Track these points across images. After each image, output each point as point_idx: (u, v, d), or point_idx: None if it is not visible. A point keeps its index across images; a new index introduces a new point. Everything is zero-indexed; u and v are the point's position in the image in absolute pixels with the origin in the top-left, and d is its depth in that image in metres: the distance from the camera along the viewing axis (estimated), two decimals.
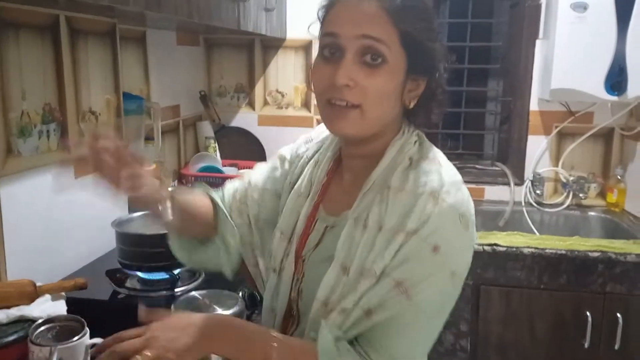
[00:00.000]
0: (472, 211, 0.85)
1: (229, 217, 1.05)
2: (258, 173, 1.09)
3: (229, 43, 2.56)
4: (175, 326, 0.81)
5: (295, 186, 1.01)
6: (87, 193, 1.46)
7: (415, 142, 0.90)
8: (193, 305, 0.95)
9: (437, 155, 0.90)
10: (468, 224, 0.83)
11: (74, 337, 0.99)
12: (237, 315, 0.89)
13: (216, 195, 1.08)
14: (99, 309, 1.20)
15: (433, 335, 0.87)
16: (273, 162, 1.09)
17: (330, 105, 0.85)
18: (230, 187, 1.11)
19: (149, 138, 1.96)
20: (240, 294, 1.28)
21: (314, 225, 0.95)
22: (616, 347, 1.88)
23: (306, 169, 1.01)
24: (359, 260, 0.83)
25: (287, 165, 1.06)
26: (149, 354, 0.76)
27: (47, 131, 1.31)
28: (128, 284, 1.28)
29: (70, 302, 1.14)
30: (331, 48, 0.85)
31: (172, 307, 0.95)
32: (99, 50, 1.52)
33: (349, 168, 0.96)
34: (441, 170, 0.85)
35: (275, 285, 0.98)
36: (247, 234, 1.06)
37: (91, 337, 1.01)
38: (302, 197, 0.99)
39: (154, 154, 2.04)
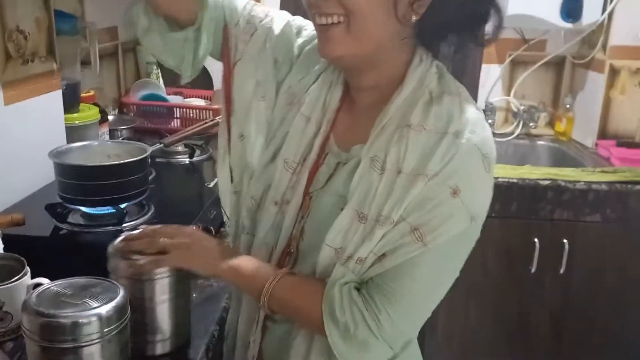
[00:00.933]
0: (494, 152, 0.78)
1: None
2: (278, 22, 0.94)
3: None
4: (195, 236, 0.88)
5: (302, 108, 0.88)
6: (19, 121, 1.35)
7: (435, 73, 0.81)
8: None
9: (460, 89, 0.81)
10: (490, 165, 0.77)
11: (13, 277, 0.91)
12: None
13: None
14: (39, 246, 1.11)
15: (446, 283, 0.81)
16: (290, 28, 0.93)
17: (317, 27, 0.78)
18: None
19: (85, 62, 1.81)
20: (194, 228, 1.22)
21: (324, 159, 0.85)
22: (561, 271, 1.94)
23: (313, 87, 0.89)
24: (376, 208, 0.76)
25: (296, 51, 0.93)
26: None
27: None
28: (70, 219, 1.19)
29: (6, 240, 1.04)
30: None
31: (110, 249, 0.87)
32: None
33: (359, 100, 0.86)
34: (465, 107, 0.78)
35: (275, 220, 0.88)
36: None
37: (32, 276, 0.93)
38: (311, 123, 0.87)
39: (91, 80, 1.89)
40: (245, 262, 0.85)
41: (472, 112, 0.78)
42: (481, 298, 2.02)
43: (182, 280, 0.90)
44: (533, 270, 1.96)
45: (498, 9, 0.79)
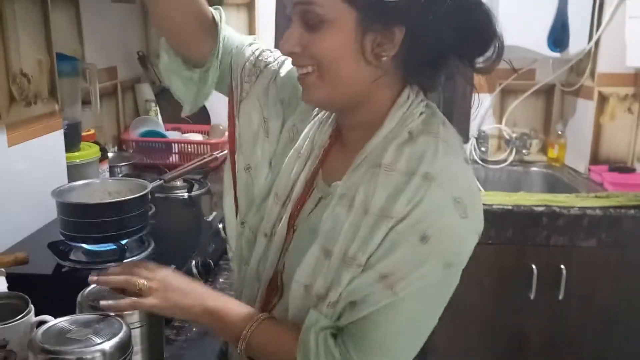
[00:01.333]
0: (474, 196, 0.77)
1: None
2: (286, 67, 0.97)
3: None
4: (174, 280, 0.86)
5: (296, 145, 0.92)
6: (22, 162, 1.38)
7: (422, 113, 0.80)
8: (102, 297, 0.84)
9: (444, 132, 0.79)
10: (466, 210, 0.73)
11: (17, 315, 0.92)
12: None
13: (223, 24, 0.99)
14: (42, 284, 1.13)
15: (424, 331, 0.79)
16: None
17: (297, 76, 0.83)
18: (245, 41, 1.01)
19: (85, 102, 1.85)
20: (194, 262, 1.24)
21: (311, 193, 0.87)
22: (560, 297, 1.96)
23: (309, 126, 0.92)
24: (342, 245, 0.76)
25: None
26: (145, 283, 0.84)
27: None
28: (72, 256, 1.21)
29: (10, 279, 1.06)
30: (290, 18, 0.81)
31: (79, 298, 0.87)
32: (26, 6, 1.40)
33: (347, 137, 0.88)
34: (441, 147, 0.76)
35: (264, 251, 0.91)
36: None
37: (36, 314, 0.95)
38: (301, 158, 0.90)
39: (92, 119, 1.93)
40: (223, 306, 0.84)
41: (448, 154, 0.77)
42: (480, 321, 2.03)
43: (155, 327, 0.89)
44: (532, 296, 1.97)
45: (488, 38, 0.80)
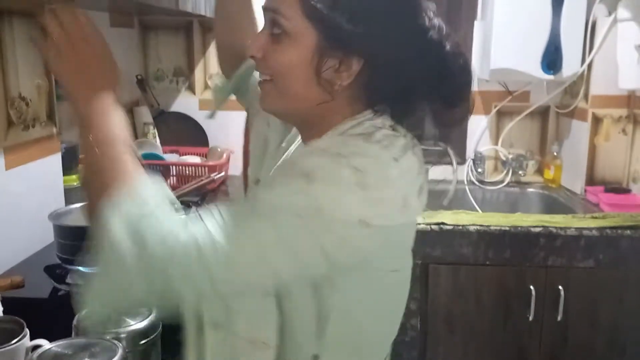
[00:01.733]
0: (376, 174, 0.71)
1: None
2: None
3: (166, 25, 2.46)
4: (90, 49, 0.77)
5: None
6: (20, 185, 1.38)
7: (360, 135, 0.76)
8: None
9: (372, 135, 0.75)
10: (364, 180, 0.69)
11: (12, 339, 0.92)
12: (151, 325, 0.81)
13: None
14: (38, 308, 1.12)
15: (272, 258, 0.69)
16: None
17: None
18: None
19: None
20: None
21: None
22: (559, 318, 1.95)
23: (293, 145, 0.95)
24: None
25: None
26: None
27: None
28: (69, 279, 1.21)
29: (6, 303, 1.06)
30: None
31: (75, 322, 0.86)
32: (25, 31, 1.41)
33: None
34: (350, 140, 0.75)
35: None
36: None
37: (31, 338, 0.94)
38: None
39: None
40: (116, 121, 0.75)
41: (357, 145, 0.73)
42: (480, 343, 2.02)
43: (152, 351, 0.89)
44: (531, 317, 1.96)
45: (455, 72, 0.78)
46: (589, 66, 2.24)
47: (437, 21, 0.79)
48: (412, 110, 0.81)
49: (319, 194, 0.69)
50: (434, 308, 2.01)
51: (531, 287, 1.94)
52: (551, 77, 2.22)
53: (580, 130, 2.32)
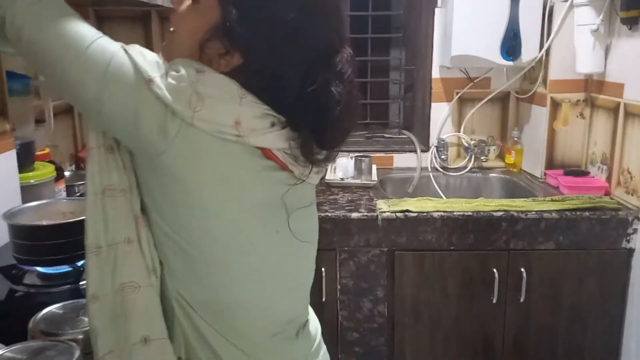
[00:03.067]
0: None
1: None
2: None
3: (122, 15, 2.40)
4: None
5: None
6: None
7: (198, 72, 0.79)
8: (54, 324, 0.85)
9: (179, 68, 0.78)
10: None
11: None
12: None
13: None
14: None
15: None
16: None
17: None
18: None
19: (39, 121, 1.81)
20: None
21: None
22: (521, 300, 1.99)
23: None
24: None
25: None
26: None
27: None
28: (27, 280, 1.17)
29: None
30: None
31: (30, 325, 0.86)
32: None
33: None
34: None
35: None
36: None
37: None
38: None
39: (46, 138, 1.88)
40: None
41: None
42: (446, 327, 2.05)
43: None
44: (495, 300, 2.00)
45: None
46: (547, 51, 2.27)
47: (341, 59, 0.82)
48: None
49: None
50: (401, 295, 2.03)
51: (494, 270, 1.98)
52: (510, 63, 2.25)
53: (539, 114, 2.36)
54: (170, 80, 0.75)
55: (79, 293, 1.10)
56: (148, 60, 0.76)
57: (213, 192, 0.78)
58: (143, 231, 0.81)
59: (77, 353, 0.75)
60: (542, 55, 2.27)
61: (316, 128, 0.81)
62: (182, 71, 0.76)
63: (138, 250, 0.81)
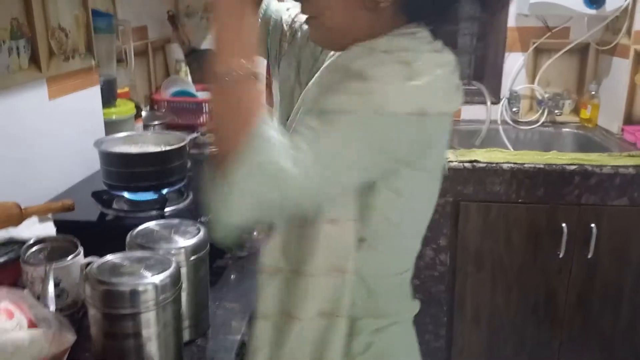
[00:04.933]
0: (424, 67, 0.73)
1: None
2: None
3: None
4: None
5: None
6: (63, 114, 1.41)
7: (400, 35, 0.78)
8: (149, 238, 0.89)
9: (412, 50, 0.75)
10: (412, 75, 0.72)
11: (67, 256, 0.97)
12: (200, 243, 0.89)
13: None
14: (87, 230, 1.16)
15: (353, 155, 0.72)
16: None
17: None
18: None
19: (118, 60, 1.88)
20: None
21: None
22: (589, 256, 1.96)
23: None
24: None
25: None
26: None
27: (17, 48, 1.23)
28: (115, 205, 1.25)
29: (58, 224, 1.11)
30: None
31: (128, 239, 0.90)
32: None
33: None
34: (386, 56, 0.73)
35: None
36: None
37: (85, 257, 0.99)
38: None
39: (125, 77, 1.96)
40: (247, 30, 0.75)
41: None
42: (508, 280, 2.05)
43: (201, 269, 0.93)
44: (561, 255, 1.97)
45: None
46: (634, 0, 2.15)
47: None
48: (451, 20, 0.83)
49: (375, 91, 0.71)
50: (464, 245, 2.03)
51: (563, 225, 1.94)
52: (593, 11, 2.15)
53: (620, 67, 2.25)
54: None
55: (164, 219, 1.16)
56: None
57: None
58: None
59: (174, 264, 0.80)
60: (628, 4, 2.15)
61: None
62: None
63: None
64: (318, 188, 0.72)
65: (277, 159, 0.68)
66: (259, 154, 0.68)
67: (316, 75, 0.90)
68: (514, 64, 2.46)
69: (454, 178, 1.95)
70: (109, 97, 1.69)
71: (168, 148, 1.24)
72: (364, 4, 0.77)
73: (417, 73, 0.72)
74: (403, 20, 0.79)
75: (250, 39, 0.75)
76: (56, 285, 0.94)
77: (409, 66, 0.72)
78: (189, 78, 2.43)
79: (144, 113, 2.04)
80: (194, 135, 1.55)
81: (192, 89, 2.35)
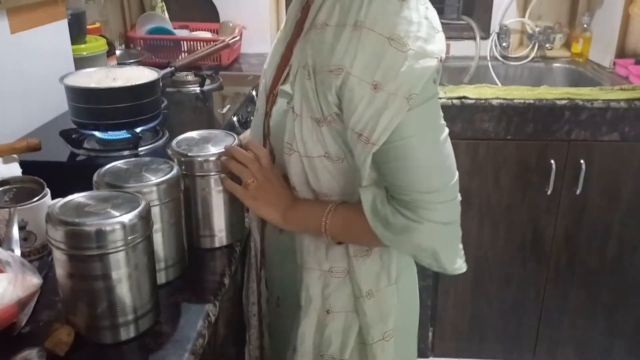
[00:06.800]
0: (413, 25, 0.75)
1: None
2: None
3: None
4: (272, 186, 0.91)
5: (282, 25, 0.97)
6: (27, 49, 1.32)
7: None
8: (118, 177, 0.84)
9: None
10: (401, 44, 0.74)
11: (33, 198, 0.91)
12: (173, 181, 0.85)
13: None
14: (56, 171, 1.10)
15: (439, 158, 0.81)
16: None
17: None
18: None
19: None
20: None
21: (290, 65, 0.88)
22: (577, 192, 1.93)
23: (289, 8, 0.96)
24: (307, 107, 0.82)
25: None
26: (249, 183, 0.91)
27: None
28: (86, 144, 1.18)
29: (24, 166, 1.05)
30: None
31: (95, 178, 0.85)
32: None
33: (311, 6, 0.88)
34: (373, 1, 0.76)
35: (256, 121, 0.98)
36: None
37: (52, 199, 0.94)
38: (282, 38, 0.94)
39: (96, 12, 1.85)
40: (302, 208, 0.90)
41: (379, 5, 0.75)
42: (495, 216, 2.02)
43: (175, 207, 0.89)
44: (549, 192, 1.95)
45: None
46: None
47: None
48: None
49: (395, 89, 0.74)
50: None
51: (552, 161, 1.91)
52: None
53: None
54: None
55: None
56: None
57: None
58: None
59: (143, 202, 0.75)
60: None
61: None
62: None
63: None
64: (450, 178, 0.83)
65: (418, 240, 0.81)
66: (402, 244, 0.82)
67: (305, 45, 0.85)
68: None
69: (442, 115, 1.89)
70: (77, 32, 1.59)
71: (139, 83, 1.16)
72: None
73: (401, 38, 0.74)
74: None
75: (316, 219, 0.87)
76: (22, 228, 0.89)
77: (395, 40, 0.74)
78: (166, 15, 2.32)
79: (118, 52, 1.94)
80: (168, 70, 1.47)
81: (169, 25, 2.24)
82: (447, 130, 0.82)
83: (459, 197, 0.85)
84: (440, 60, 0.77)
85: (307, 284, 0.93)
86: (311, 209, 0.89)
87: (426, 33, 0.76)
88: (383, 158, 0.79)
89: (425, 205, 0.79)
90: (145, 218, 0.74)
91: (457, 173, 0.84)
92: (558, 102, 1.86)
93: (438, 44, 0.77)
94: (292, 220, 0.91)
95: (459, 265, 0.86)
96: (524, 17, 2.38)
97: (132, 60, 1.92)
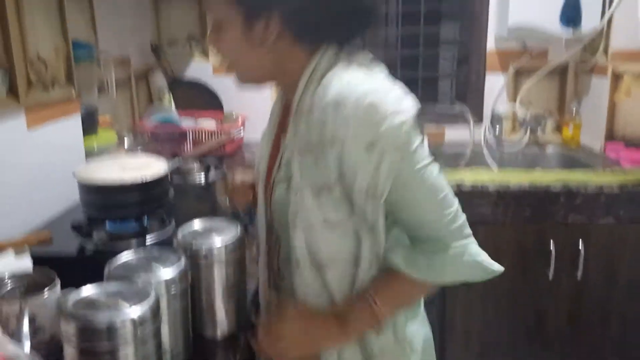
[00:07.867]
0: (381, 91, 0.83)
1: None
2: None
3: None
4: (308, 328, 0.92)
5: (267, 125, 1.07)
6: (42, 144, 1.39)
7: (332, 56, 0.90)
8: (128, 269, 0.88)
9: (350, 64, 0.88)
10: (381, 105, 0.81)
11: (43, 289, 0.93)
12: (181, 272, 0.88)
13: None
14: (66, 263, 1.14)
15: (439, 191, 0.87)
16: None
17: None
18: None
19: (99, 90, 1.87)
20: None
21: (281, 156, 0.97)
22: (579, 277, 1.95)
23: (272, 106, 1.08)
24: (307, 181, 0.87)
25: None
26: None
27: None
28: (95, 236, 1.22)
29: (36, 259, 1.08)
30: None
31: (106, 270, 0.89)
32: None
33: (290, 101, 0.97)
34: (343, 73, 0.85)
35: (258, 209, 1.05)
36: None
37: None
38: (269, 133, 1.05)
39: (107, 106, 1.94)
40: (347, 318, 0.91)
41: (350, 75, 0.85)
42: (498, 300, 2.02)
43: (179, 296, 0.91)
44: (551, 277, 1.96)
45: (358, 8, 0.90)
46: (609, 21, 2.19)
47: None
48: (351, 33, 0.92)
49: (389, 144, 0.81)
50: None
51: (551, 241, 1.93)
52: (570, 33, 2.18)
53: (600, 86, 2.28)
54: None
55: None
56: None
57: None
58: None
59: (153, 295, 0.77)
60: (603, 25, 2.19)
61: None
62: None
63: None
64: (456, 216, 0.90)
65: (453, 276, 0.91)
66: (447, 274, 0.90)
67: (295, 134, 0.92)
68: (495, 85, 2.48)
69: None
70: (90, 126, 1.67)
71: (149, 178, 1.21)
72: (255, 43, 0.89)
73: (379, 103, 0.81)
74: (306, 46, 0.90)
75: (364, 310, 0.90)
76: (31, 321, 0.90)
77: (374, 105, 0.81)
78: (172, 106, 2.43)
79: (126, 140, 2.02)
80: (176, 162, 1.53)
81: (175, 116, 2.34)
82: (437, 165, 0.89)
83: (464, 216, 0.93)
84: (414, 110, 0.85)
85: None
86: (353, 310, 0.90)
87: (396, 94, 0.85)
88: (393, 207, 0.87)
89: (445, 231, 0.88)
90: (155, 311, 0.77)
91: (456, 198, 0.92)
92: (552, 186, 1.91)
93: (407, 99, 0.85)
94: (350, 334, 0.92)
95: (498, 265, 0.96)
96: (514, 104, 2.49)
97: (140, 149, 1.99)
